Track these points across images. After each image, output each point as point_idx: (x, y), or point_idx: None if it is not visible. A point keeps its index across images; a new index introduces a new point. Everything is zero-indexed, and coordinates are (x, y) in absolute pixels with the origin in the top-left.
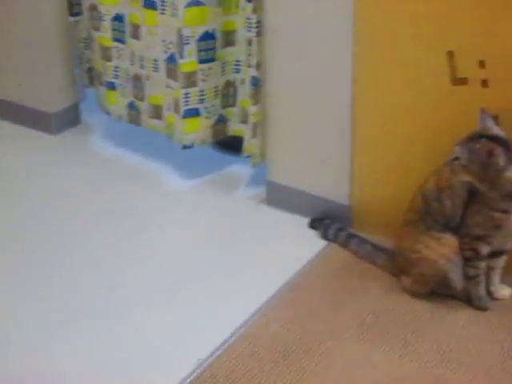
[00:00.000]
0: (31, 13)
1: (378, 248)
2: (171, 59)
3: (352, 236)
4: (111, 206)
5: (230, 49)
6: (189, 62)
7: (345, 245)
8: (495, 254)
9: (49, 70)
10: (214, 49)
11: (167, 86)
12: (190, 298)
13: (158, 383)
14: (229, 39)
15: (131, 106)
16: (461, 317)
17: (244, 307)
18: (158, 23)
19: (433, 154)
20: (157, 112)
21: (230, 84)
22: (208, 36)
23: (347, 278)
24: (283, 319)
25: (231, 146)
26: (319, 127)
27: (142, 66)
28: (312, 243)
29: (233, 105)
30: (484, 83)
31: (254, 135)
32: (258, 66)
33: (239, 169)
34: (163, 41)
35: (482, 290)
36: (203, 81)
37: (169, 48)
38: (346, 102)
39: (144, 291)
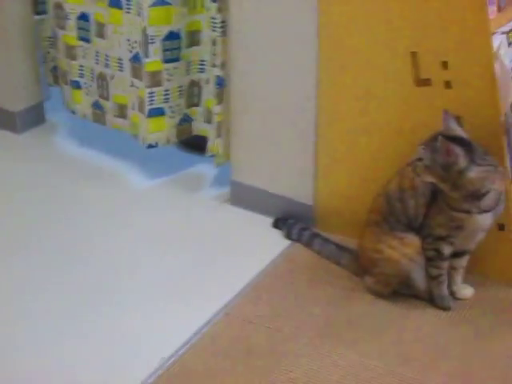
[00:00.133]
0: None
1: (341, 248)
2: (136, 58)
3: (315, 236)
4: (74, 205)
5: (194, 48)
6: (154, 61)
7: (308, 244)
8: (458, 254)
9: (13, 68)
10: (178, 48)
11: (132, 85)
12: (152, 297)
13: (121, 382)
14: (194, 39)
15: (96, 105)
16: (423, 316)
17: (207, 306)
18: (123, 22)
19: (396, 154)
20: (121, 111)
21: (194, 84)
22: (173, 35)
23: (310, 277)
24: (246, 318)
25: (195, 145)
26: (283, 127)
27: (106, 65)
28: (275, 243)
29: (197, 104)
30: (447, 84)
31: (218, 135)
32: (223, 65)
33: (203, 168)
34: (128, 40)
35: (444, 290)
36: (168, 80)
37: (133, 47)
38: (310, 102)
39: (105, 291)
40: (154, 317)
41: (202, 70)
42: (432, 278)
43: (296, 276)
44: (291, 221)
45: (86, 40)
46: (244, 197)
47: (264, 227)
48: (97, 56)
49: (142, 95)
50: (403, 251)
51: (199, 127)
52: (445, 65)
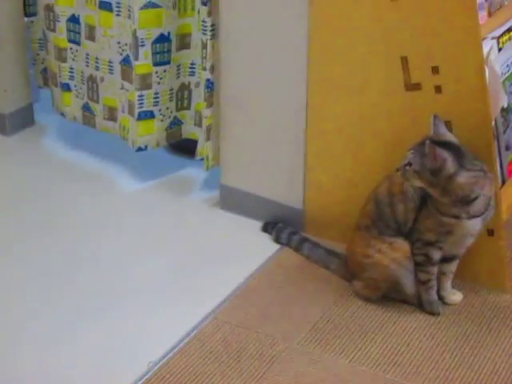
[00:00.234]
0: None
1: (330, 252)
2: (126, 61)
3: (305, 240)
4: (62, 208)
5: (185, 51)
6: (144, 64)
7: (297, 249)
8: (447, 260)
9: (3, 70)
10: (169, 51)
11: (122, 88)
12: (140, 302)
13: None
14: (184, 42)
15: (86, 107)
16: (412, 321)
17: (195, 310)
18: (114, 25)
19: (386, 159)
20: (111, 114)
21: (184, 87)
22: (163, 38)
23: (299, 281)
24: (235, 322)
25: (185, 148)
26: (273, 131)
27: (97, 68)
28: (265, 247)
29: (187, 108)
30: (437, 89)
31: (208, 138)
32: (213, 68)
33: (193, 172)
34: (118, 42)
35: (433, 295)
36: (158, 83)
37: (124, 50)
38: (300, 106)
39: (94, 295)
40: (142, 321)
41: (192, 73)
42: (421, 283)
43: (285, 280)
44: (280, 225)
45: (77, 42)
46: (233, 201)
47: (253, 231)
48: (87, 58)
49: (131, 98)
50: (392, 256)
51: (189, 130)
52: (435, 70)
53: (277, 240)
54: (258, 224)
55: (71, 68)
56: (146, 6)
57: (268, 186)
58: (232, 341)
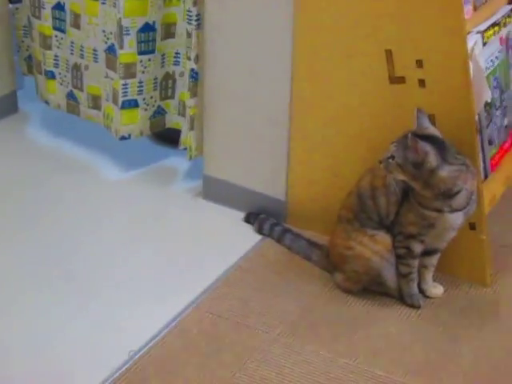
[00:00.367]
0: None
1: (312, 244)
2: (111, 49)
3: (287, 231)
4: (44, 197)
5: (170, 41)
6: (128, 52)
7: (279, 240)
8: (428, 253)
9: None
10: (153, 40)
11: (106, 77)
12: (122, 291)
13: (89, 375)
14: (169, 31)
15: (70, 95)
16: (393, 314)
17: (177, 300)
18: (99, 13)
19: (369, 151)
20: (95, 102)
21: (169, 76)
22: (148, 27)
23: (281, 273)
24: (216, 313)
25: (169, 138)
26: (256, 122)
27: (81, 56)
28: (247, 237)
29: (171, 97)
30: (421, 83)
31: (191, 128)
32: (198, 58)
33: (176, 161)
34: (103, 31)
35: (414, 288)
36: (142, 72)
37: (109, 38)
38: (285, 97)
39: (75, 284)
40: (123, 310)
41: (176, 63)
42: (402, 276)
43: (266, 271)
44: (263, 216)
45: (61, 30)
46: (216, 191)
47: (235, 222)
48: (72, 46)
49: (116, 86)
50: (374, 248)
51: (173, 120)
52: (419, 63)
53: (259, 231)
54: (241, 214)
55: (56, 56)
56: None
57: (251, 177)
58: (213, 331)
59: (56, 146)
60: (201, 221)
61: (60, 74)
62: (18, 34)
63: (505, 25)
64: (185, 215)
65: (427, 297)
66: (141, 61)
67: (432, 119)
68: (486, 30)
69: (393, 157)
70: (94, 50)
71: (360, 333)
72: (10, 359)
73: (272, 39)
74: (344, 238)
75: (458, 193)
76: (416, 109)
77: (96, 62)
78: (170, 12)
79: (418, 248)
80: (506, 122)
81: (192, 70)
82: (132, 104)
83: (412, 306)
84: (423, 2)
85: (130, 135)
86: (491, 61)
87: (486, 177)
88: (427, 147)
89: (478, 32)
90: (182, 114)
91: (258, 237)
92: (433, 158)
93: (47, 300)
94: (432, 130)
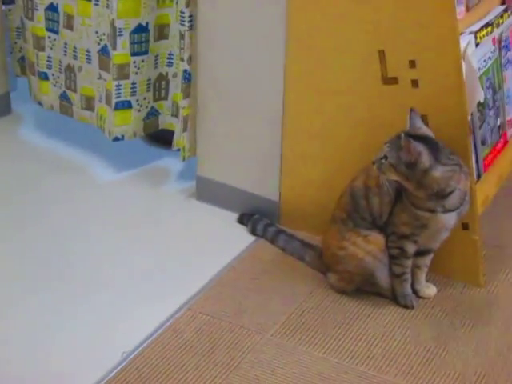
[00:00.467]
0: None
1: (305, 244)
2: (104, 50)
3: (280, 232)
4: (37, 198)
5: (163, 42)
6: (121, 53)
7: (273, 241)
8: (421, 253)
9: None
10: (147, 41)
11: (100, 78)
12: (115, 292)
13: (82, 376)
14: (162, 32)
15: (63, 96)
16: (386, 314)
17: (170, 301)
18: (92, 14)
19: (362, 152)
20: (89, 103)
21: (162, 77)
22: (141, 28)
23: (274, 273)
24: (209, 313)
25: (162, 139)
26: (249, 123)
27: (74, 57)
28: (240, 238)
29: (165, 98)
30: (414, 83)
31: (185, 129)
32: (191, 59)
33: (170, 162)
34: (96, 32)
35: (407, 288)
36: (136, 73)
37: (102, 39)
38: (277, 98)
39: (67, 285)
40: (116, 311)
41: (170, 64)
42: (395, 276)
43: (260, 272)
44: (256, 216)
45: (55, 31)
46: (209, 192)
47: (229, 222)
48: (65, 47)
49: (109, 88)
50: (367, 249)
51: (166, 121)
52: (412, 63)
53: (252, 232)
54: (234, 215)
55: (49, 57)
56: None
57: (244, 178)
58: (206, 332)
59: (49, 147)
60: (194, 222)
61: (53, 75)
62: (11, 35)
63: (497, 25)
64: (178, 216)
65: (420, 297)
66: (134, 62)
67: (425, 119)
68: (478, 31)
69: (386, 157)
70: (87, 51)
71: (353, 333)
72: (5, 360)
73: (265, 40)
74: (337, 239)
75: (451, 193)
76: (409, 109)
77: (89, 63)
78: (162, 13)
79: (411, 248)
80: (498, 122)
81: (185, 71)
82: (125, 105)
83: (405, 307)
84: (416, 3)
85: (123, 136)
86: (484, 61)
87: (478, 177)
88: (420, 147)
89: (470, 32)
90: (176, 115)
91: (252, 237)
92: (426, 159)
93: (39, 302)
94: (425, 131)
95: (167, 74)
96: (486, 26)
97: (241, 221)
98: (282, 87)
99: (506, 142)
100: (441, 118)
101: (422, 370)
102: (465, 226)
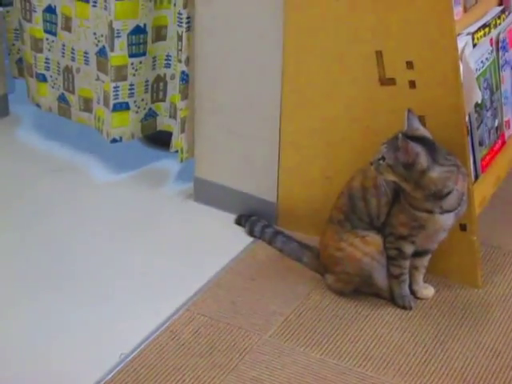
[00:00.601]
0: None
1: (303, 246)
2: (102, 52)
3: (278, 233)
4: (35, 199)
5: (160, 43)
6: (119, 55)
7: (270, 242)
8: (419, 254)
9: None
10: (144, 43)
11: (97, 79)
12: (112, 293)
13: (80, 378)
14: (160, 34)
15: (62, 98)
16: (384, 315)
17: (168, 302)
18: (90, 16)
19: (360, 153)
20: (87, 105)
21: (160, 78)
22: (139, 30)
23: (272, 274)
24: (207, 315)
25: (160, 140)
26: (247, 124)
27: (72, 59)
28: (238, 240)
29: (162, 99)
30: (412, 84)
31: (182, 130)
32: (188, 61)
33: (167, 164)
34: (94, 33)
35: (405, 289)
36: (133, 75)
37: (100, 41)
38: (275, 99)
39: (65, 286)
40: (114, 313)
41: (167, 65)
42: (393, 277)
43: (258, 273)
44: (254, 218)
45: (53, 33)
46: (207, 193)
47: (227, 224)
48: (63, 49)
49: (107, 89)
50: (365, 250)
51: (164, 122)
52: (410, 64)
53: (250, 233)
54: (232, 217)
55: (47, 59)
56: None
57: (242, 179)
58: (204, 333)
59: (47, 148)
60: (192, 223)
61: (51, 76)
62: (8, 37)
63: (495, 26)
64: (176, 217)
65: (418, 298)
66: (132, 63)
67: (422, 120)
68: (476, 32)
69: (383, 158)
70: (85, 53)
71: (351, 334)
72: (4, 361)
73: (262, 41)
74: (335, 240)
75: (448, 194)
76: (406, 110)
77: (87, 64)
78: (160, 15)
79: (408, 249)
80: (496, 123)
81: (183, 72)
82: (123, 106)
83: (403, 308)
84: (413, 4)
85: (121, 138)
86: (481, 62)
87: (476, 178)
88: (418, 148)
89: (468, 33)
90: (173, 116)
91: (249, 239)
92: (423, 159)
93: (37, 303)
94: (422, 131)
95: (165, 75)
96: (484, 26)
97: (238, 222)
98: (280, 88)
99: (503, 143)
100: (438, 119)
101: (421, 371)
102: (462, 227)
